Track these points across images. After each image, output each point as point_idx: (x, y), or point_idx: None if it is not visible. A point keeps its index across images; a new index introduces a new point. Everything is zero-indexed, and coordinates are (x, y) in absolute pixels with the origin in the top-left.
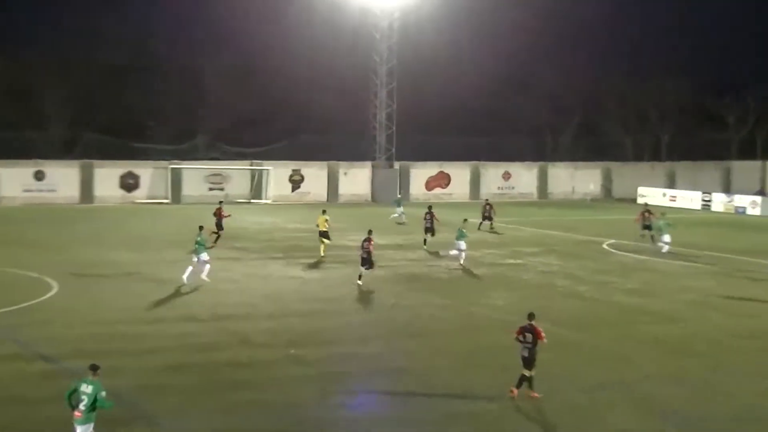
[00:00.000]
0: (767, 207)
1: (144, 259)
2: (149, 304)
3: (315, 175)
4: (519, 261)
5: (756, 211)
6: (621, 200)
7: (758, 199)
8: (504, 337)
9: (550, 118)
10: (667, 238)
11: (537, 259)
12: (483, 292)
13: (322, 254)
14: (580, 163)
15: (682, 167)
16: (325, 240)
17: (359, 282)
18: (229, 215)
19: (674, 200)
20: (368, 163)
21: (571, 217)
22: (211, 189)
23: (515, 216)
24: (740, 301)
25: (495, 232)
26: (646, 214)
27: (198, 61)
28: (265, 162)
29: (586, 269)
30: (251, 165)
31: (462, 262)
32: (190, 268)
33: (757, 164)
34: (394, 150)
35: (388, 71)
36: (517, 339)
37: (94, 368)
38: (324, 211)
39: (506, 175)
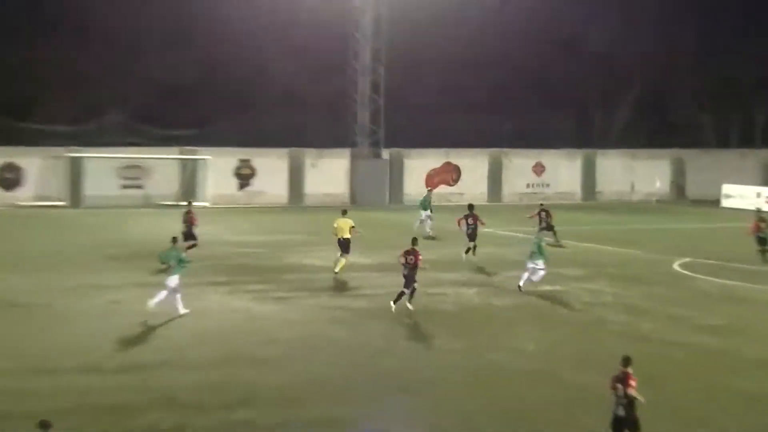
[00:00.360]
0: None
1: (31, 286)
2: (38, 347)
3: (271, 166)
4: (557, 287)
5: None
6: (698, 202)
7: None
8: (535, 394)
9: (600, 89)
10: None
11: (582, 285)
12: (506, 332)
13: (337, 270)
14: (642, 151)
15: None
16: (344, 254)
17: (409, 306)
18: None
19: None
20: (346, 151)
21: (628, 226)
22: (125, 186)
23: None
24: None
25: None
26: (762, 224)
27: (110, 14)
28: (201, 149)
29: (652, 299)
30: (181, 153)
31: (536, 279)
32: (178, 296)
33: None
34: (382, 133)
35: (374, 23)
36: (614, 394)
37: (44, 426)
38: (344, 212)
39: (538, 168)
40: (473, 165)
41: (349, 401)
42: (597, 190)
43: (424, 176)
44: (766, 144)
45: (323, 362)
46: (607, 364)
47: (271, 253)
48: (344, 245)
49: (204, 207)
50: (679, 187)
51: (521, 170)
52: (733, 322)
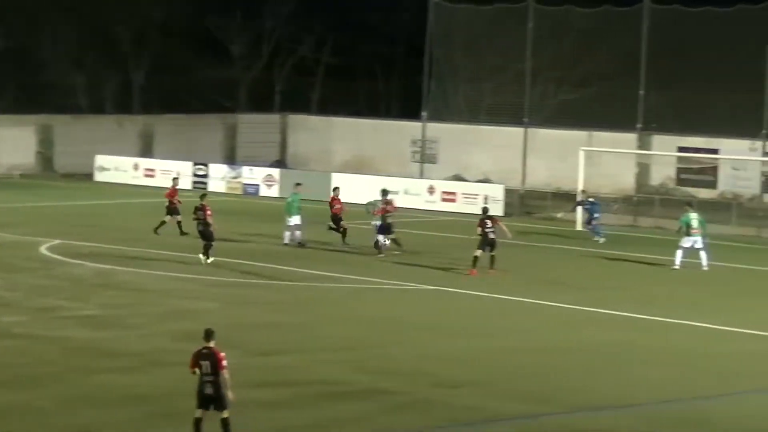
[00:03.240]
0: (288, 185)
1: None
2: None
3: None
4: None
5: (273, 192)
6: (70, 176)
7: (276, 172)
8: None
9: None
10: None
11: None
12: None
13: None
14: (4, 117)
15: (165, 123)
16: None
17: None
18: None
19: (152, 175)
20: None
21: None
22: None
23: None
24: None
25: None
26: (389, 207)
27: None
28: None
29: (17, 288)
30: None
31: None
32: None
33: (272, 119)
34: None
35: None
36: (193, 372)
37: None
38: None
39: None
40: None
41: None
42: None
43: None
44: (145, 109)
45: None
46: None
47: None
48: None
49: None
50: (45, 158)
51: None
52: (116, 311)
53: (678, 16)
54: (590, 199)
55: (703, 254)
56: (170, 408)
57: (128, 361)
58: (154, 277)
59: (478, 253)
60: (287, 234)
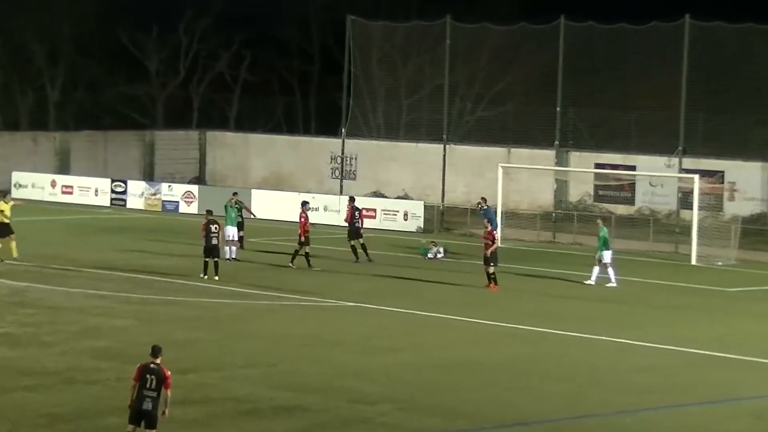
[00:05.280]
0: (207, 202)
1: None
2: None
3: None
4: None
5: (193, 208)
6: None
7: (195, 189)
8: None
9: None
10: None
11: None
12: None
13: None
14: None
15: (82, 140)
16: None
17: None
18: None
19: (70, 192)
20: None
21: None
22: None
23: None
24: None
25: None
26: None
27: None
28: None
29: None
30: None
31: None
32: None
33: (190, 135)
34: None
35: None
36: (135, 385)
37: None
38: (5, 195)
39: None
40: None
41: None
42: None
43: None
44: (61, 126)
45: None
46: None
47: None
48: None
49: None
50: None
51: None
52: (26, 329)
53: (593, 33)
54: (485, 207)
55: (611, 270)
56: (86, 426)
57: (44, 380)
58: (71, 295)
59: (490, 269)
60: (227, 249)
